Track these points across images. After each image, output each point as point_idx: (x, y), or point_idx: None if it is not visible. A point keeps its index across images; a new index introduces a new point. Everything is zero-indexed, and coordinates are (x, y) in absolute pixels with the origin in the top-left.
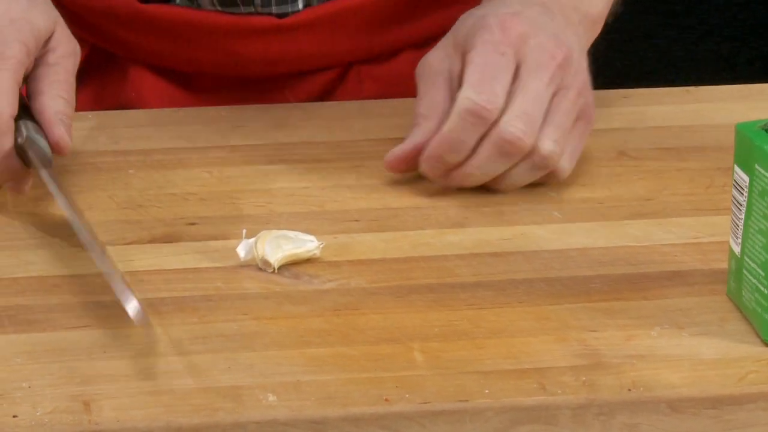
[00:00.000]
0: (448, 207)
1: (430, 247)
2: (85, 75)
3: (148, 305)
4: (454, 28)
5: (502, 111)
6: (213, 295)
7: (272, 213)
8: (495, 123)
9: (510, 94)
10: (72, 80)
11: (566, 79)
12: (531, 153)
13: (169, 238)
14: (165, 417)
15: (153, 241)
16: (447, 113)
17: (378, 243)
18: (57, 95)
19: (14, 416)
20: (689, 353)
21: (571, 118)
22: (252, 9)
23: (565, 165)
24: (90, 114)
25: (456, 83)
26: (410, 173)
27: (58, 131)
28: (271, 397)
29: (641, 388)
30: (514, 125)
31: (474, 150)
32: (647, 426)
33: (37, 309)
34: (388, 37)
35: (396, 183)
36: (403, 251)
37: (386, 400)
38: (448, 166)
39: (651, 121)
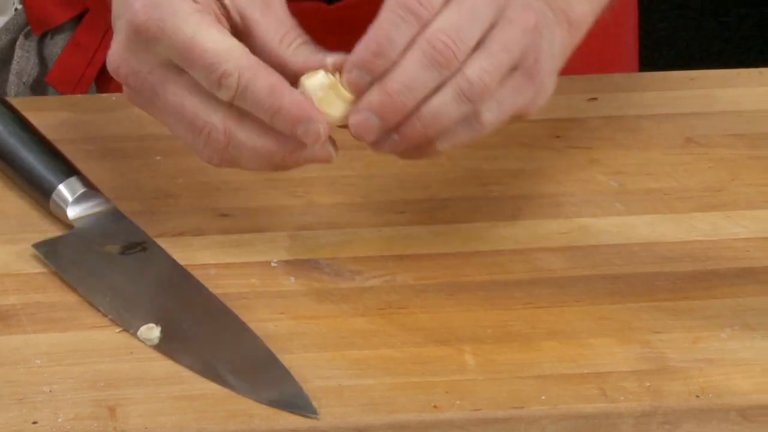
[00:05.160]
0: (501, 197)
1: (482, 241)
2: None
3: None
4: None
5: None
6: (248, 292)
7: (311, 204)
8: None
9: (443, 4)
10: None
11: (509, 10)
12: (456, 76)
13: (200, 231)
14: (196, 424)
15: (183, 233)
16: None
17: (426, 236)
18: None
19: (34, 422)
20: (762, 357)
21: (509, 57)
22: None
23: (488, 116)
24: (114, 96)
25: None
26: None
27: None
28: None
29: (710, 395)
30: (444, 30)
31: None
32: None
33: (59, 306)
34: None
35: (445, 171)
36: (453, 245)
37: (435, 406)
38: (374, 74)
39: (720, 105)
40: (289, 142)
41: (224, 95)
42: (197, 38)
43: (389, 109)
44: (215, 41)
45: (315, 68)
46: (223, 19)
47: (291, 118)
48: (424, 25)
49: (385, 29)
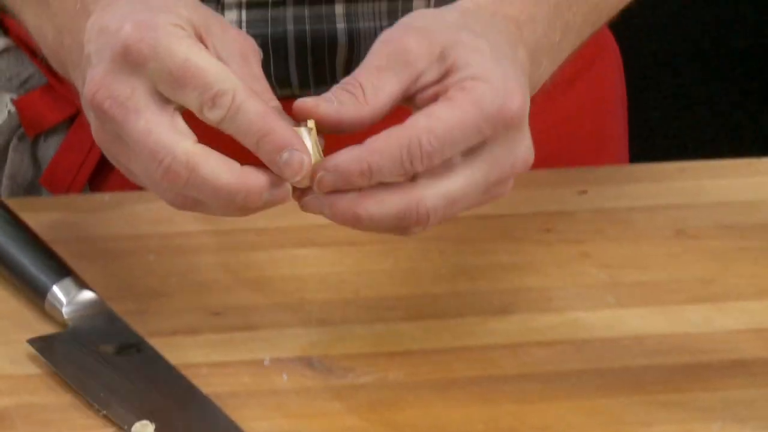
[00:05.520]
0: (491, 292)
1: (472, 336)
2: None
3: None
4: (425, 23)
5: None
6: (240, 391)
7: (303, 300)
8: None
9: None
10: None
11: (497, 145)
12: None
13: (192, 331)
14: None
15: (175, 333)
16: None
17: (416, 332)
18: None
19: None
20: None
21: (468, 195)
22: (289, 92)
23: (419, 230)
24: (107, 196)
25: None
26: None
27: None
28: None
29: None
30: (439, 203)
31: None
32: None
33: (52, 408)
34: None
35: (435, 266)
36: (444, 341)
37: None
38: (347, 188)
39: (710, 197)
40: (255, 180)
41: (216, 115)
42: (192, 59)
43: (344, 215)
44: (209, 63)
45: None
46: None
47: (279, 143)
48: (413, 178)
49: (379, 161)
